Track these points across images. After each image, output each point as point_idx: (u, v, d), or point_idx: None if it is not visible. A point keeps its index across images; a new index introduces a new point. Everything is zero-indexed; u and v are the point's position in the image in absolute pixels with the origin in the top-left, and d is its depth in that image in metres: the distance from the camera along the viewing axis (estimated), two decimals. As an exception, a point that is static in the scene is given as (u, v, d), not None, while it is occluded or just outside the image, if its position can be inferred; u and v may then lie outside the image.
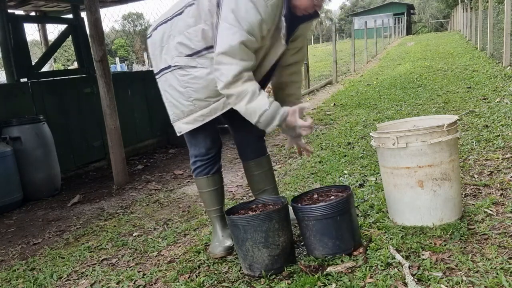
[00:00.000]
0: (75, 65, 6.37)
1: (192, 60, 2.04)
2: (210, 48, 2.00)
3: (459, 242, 2.00)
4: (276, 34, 1.98)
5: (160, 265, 2.34)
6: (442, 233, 2.09)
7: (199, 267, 2.22)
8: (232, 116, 2.31)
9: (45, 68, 5.60)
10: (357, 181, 3.13)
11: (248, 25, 1.84)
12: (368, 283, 1.78)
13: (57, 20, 6.14)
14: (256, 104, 1.93)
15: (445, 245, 1.99)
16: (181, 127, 2.19)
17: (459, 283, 1.69)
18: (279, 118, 1.95)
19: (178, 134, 2.25)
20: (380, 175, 2.94)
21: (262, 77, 2.11)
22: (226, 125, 2.40)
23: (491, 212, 2.26)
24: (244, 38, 1.85)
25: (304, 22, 2.09)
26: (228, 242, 2.28)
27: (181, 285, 2.05)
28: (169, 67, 2.11)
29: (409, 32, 38.61)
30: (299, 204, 2.11)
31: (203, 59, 2.02)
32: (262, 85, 2.20)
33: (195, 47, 2.02)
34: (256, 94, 1.93)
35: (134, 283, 2.17)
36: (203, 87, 2.05)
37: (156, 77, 2.23)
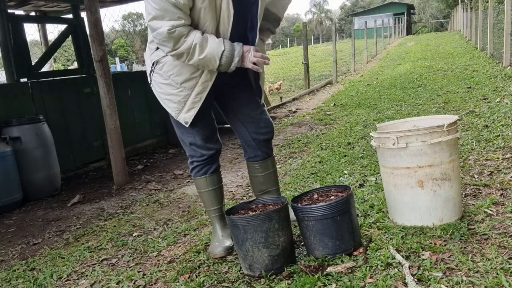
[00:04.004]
0: (75, 65, 6.36)
1: (161, 51, 2.06)
2: None
3: (459, 242, 2.00)
4: None
5: (160, 265, 2.33)
6: (442, 233, 2.09)
7: (199, 267, 2.22)
8: (240, 116, 2.31)
9: (45, 68, 5.60)
10: (357, 181, 3.13)
11: None
12: (368, 283, 1.78)
13: (57, 20, 6.14)
14: (210, 51, 1.92)
15: (445, 245, 1.99)
16: (186, 116, 2.15)
17: (459, 283, 1.69)
18: (237, 54, 1.97)
19: (187, 126, 2.18)
20: (380, 175, 2.94)
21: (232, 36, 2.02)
22: (228, 125, 2.39)
23: (491, 212, 2.26)
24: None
25: None
26: (228, 242, 2.28)
27: (181, 285, 2.05)
28: (151, 68, 2.14)
29: (409, 32, 38.57)
30: (299, 204, 2.11)
31: None
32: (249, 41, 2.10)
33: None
34: (204, 41, 1.92)
35: (134, 283, 2.17)
36: (181, 67, 2.05)
37: (151, 86, 2.23)
